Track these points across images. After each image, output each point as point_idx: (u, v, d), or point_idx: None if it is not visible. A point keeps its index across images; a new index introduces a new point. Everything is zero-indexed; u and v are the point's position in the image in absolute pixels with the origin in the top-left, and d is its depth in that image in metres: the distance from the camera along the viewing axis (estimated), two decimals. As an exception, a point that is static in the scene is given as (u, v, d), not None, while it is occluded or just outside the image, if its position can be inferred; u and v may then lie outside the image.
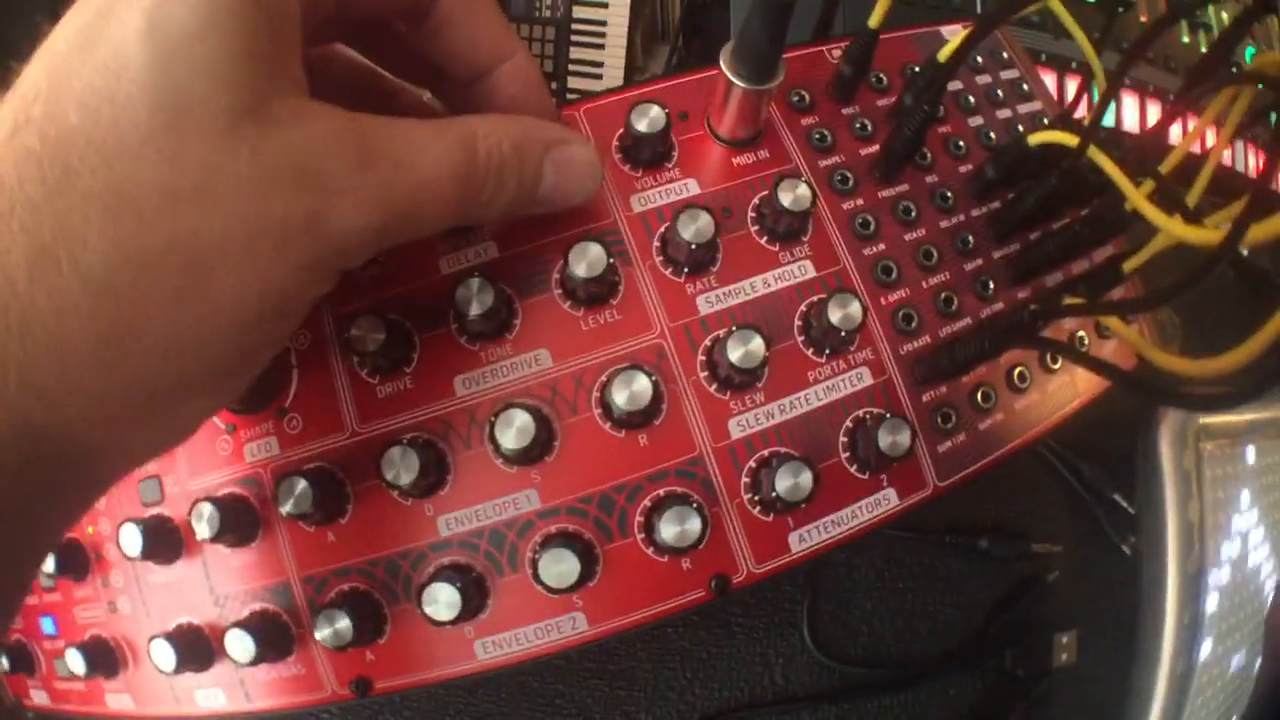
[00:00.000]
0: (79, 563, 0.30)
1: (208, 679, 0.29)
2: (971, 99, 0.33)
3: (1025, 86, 0.35)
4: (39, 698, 0.33)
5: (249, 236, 0.17)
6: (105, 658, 0.30)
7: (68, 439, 0.17)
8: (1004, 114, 0.34)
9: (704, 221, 0.26)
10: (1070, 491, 0.37)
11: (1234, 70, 0.40)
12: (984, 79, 0.34)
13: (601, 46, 0.56)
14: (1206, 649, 0.36)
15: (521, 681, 0.32)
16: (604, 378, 0.26)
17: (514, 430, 0.25)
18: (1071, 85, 0.44)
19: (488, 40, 0.25)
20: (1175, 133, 0.44)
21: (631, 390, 0.25)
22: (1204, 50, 0.48)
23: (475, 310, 0.25)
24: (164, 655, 0.27)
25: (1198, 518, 0.36)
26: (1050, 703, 0.33)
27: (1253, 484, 0.40)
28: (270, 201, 0.17)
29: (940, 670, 0.33)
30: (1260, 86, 0.26)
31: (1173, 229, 0.24)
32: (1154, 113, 0.46)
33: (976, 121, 0.33)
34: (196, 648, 0.28)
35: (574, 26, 0.56)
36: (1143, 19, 0.45)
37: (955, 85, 0.33)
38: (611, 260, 0.26)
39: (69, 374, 0.16)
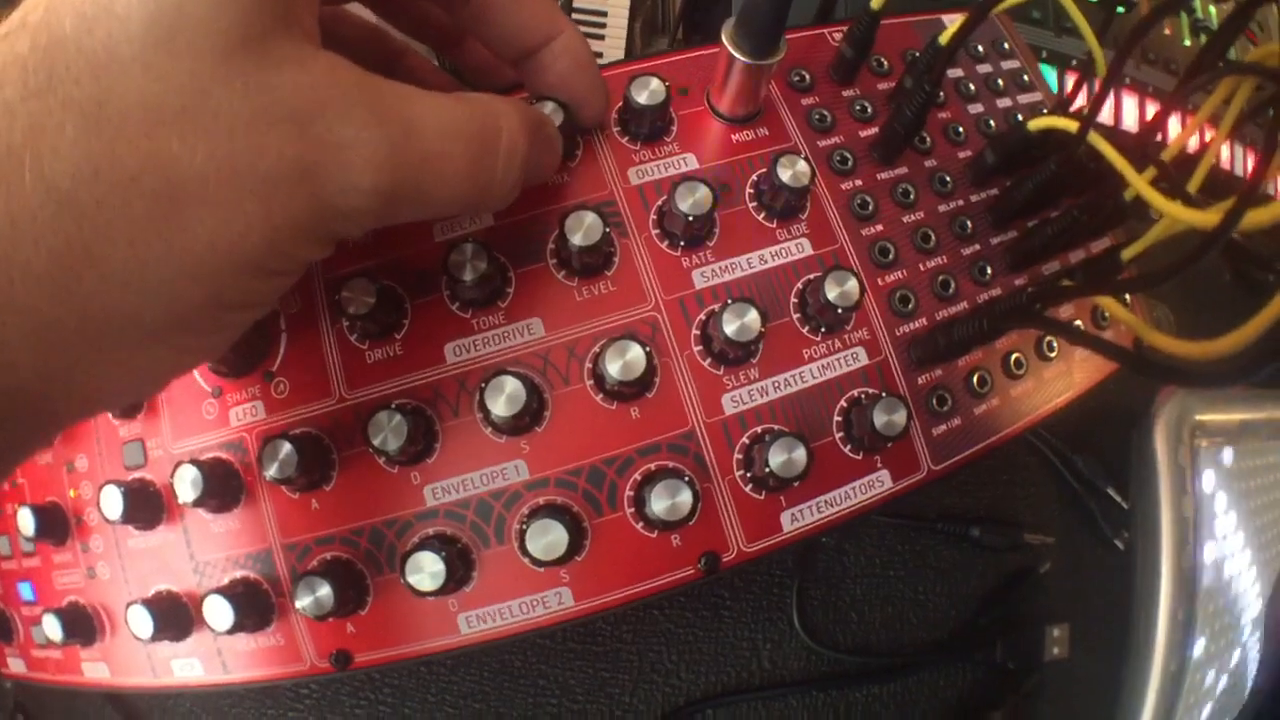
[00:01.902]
0: (59, 527, 0.30)
1: (185, 648, 0.28)
2: (972, 86, 0.33)
3: (1026, 77, 0.35)
4: (16, 666, 0.33)
5: (234, 174, 0.16)
6: (82, 624, 0.29)
7: (6, 363, 0.16)
8: (1004, 103, 0.34)
9: (702, 194, 0.26)
10: (1063, 485, 0.37)
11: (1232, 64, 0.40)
12: (985, 68, 0.34)
13: (602, 38, 0.56)
14: (1200, 647, 0.35)
15: (504, 661, 0.31)
16: (597, 348, 0.26)
17: (504, 397, 0.24)
18: (1072, 82, 0.44)
19: (534, 20, 0.24)
20: (1174, 129, 0.44)
21: (625, 360, 0.25)
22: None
23: (468, 276, 0.25)
24: (141, 622, 0.27)
25: (1192, 513, 0.36)
26: (1041, 697, 0.33)
27: (1246, 484, 0.40)
28: (262, 142, 0.16)
29: (931, 660, 0.32)
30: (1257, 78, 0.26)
31: (1173, 211, 0.24)
32: (1154, 113, 0.46)
33: (976, 109, 0.33)
34: (174, 615, 0.27)
35: (574, 17, 0.56)
36: (1166, 31, 0.45)
37: (956, 72, 0.33)
38: (608, 230, 0.26)
39: (14, 288, 0.15)
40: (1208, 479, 0.37)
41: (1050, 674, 0.33)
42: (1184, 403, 0.38)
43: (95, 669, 0.30)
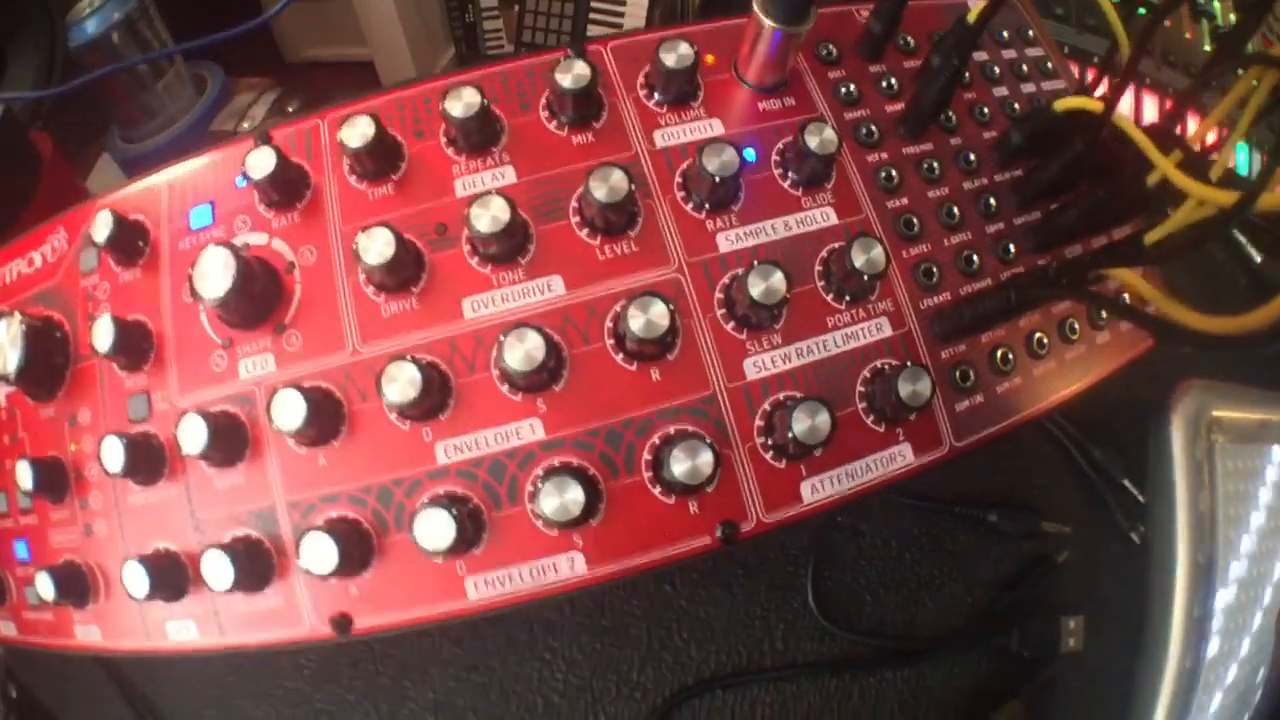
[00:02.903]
0: (58, 483, 0.29)
1: (180, 610, 0.27)
2: (997, 70, 0.33)
3: (1050, 65, 0.35)
4: (6, 629, 0.31)
5: None
6: (76, 584, 0.28)
7: None
8: (1028, 88, 0.34)
9: (729, 155, 0.26)
10: (1081, 477, 0.36)
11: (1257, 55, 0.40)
12: (1009, 53, 0.34)
13: (620, 26, 0.56)
14: (1216, 644, 0.35)
15: (509, 634, 0.30)
16: (618, 307, 0.26)
17: (524, 351, 0.24)
18: (1092, 78, 0.45)
19: None
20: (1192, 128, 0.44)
21: (648, 316, 0.24)
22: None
23: (489, 228, 0.25)
24: (136, 579, 0.26)
25: (1209, 509, 0.35)
26: (1055, 690, 0.32)
27: (1268, 483, 0.39)
28: None
29: (946, 645, 0.32)
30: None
31: (1196, 189, 0.24)
32: (1172, 103, 0.46)
33: (1001, 92, 0.33)
34: (171, 574, 0.27)
35: (593, 4, 0.56)
36: (1166, 23, 0.45)
37: (981, 56, 0.33)
38: (632, 187, 0.25)
39: None
40: (1240, 471, 0.36)
41: (1065, 666, 0.32)
42: (1201, 397, 0.38)
43: (87, 631, 0.29)
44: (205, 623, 0.27)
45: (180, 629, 0.27)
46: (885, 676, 0.30)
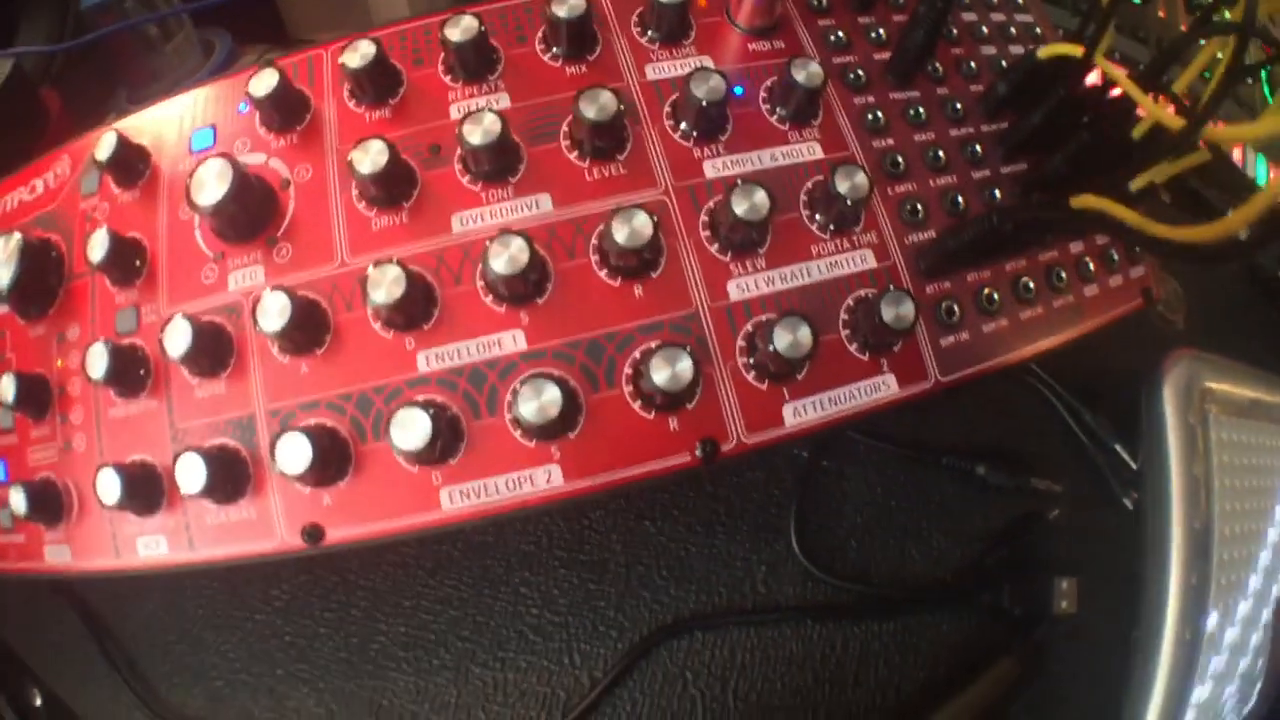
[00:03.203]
0: (40, 398, 0.29)
1: (152, 525, 0.27)
2: (985, 29, 0.34)
3: (1039, 30, 0.36)
4: (-27, 552, 0.31)
5: None
6: (50, 501, 0.28)
7: None
8: (1016, 49, 0.34)
9: (716, 81, 0.26)
10: (1072, 439, 0.36)
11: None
12: (998, 16, 0.35)
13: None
14: (1215, 615, 0.34)
15: (485, 566, 0.30)
16: (603, 225, 0.26)
17: (509, 254, 0.24)
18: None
19: None
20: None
21: (632, 226, 0.24)
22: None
23: (481, 141, 0.25)
24: (110, 485, 0.26)
25: (1203, 474, 0.35)
26: (1047, 653, 0.31)
27: (1262, 461, 0.39)
28: None
29: (935, 597, 0.31)
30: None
31: (1164, 116, 0.24)
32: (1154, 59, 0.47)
33: (989, 50, 0.34)
34: (145, 484, 0.26)
35: None
36: (1160, 14, 0.46)
37: (971, 16, 0.34)
38: (621, 108, 0.26)
39: None
40: (1234, 444, 0.36)
41: (1058, 630, 0.31)
42: (1194, 365, 0.37)
43: (57, 552, 0.29)
44: (176, 537, 0.27)
45: (150, 544, 0.27)
46: (870, 628, 0.30)
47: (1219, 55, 0.28)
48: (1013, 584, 0.31)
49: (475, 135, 0.25)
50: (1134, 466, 0.36)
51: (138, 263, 0.28)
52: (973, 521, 0.32)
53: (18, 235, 0.29)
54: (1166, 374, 0.37)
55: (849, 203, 0.26)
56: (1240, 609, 0.36)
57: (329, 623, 0.30)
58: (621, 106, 0.26)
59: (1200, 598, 0.34)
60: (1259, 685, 0.36)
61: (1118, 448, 0.36)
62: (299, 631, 0.30)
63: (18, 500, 0.28)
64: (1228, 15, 0.33)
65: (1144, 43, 0.45)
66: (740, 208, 0.25)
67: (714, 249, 0.27)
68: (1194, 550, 0.34)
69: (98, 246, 0.27)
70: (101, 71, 0.46)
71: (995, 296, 0.29)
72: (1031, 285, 0.30)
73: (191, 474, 0.25)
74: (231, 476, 0.26)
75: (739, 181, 0.25)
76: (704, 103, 0.26)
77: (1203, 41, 0.30)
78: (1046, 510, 0.33)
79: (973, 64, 0.32)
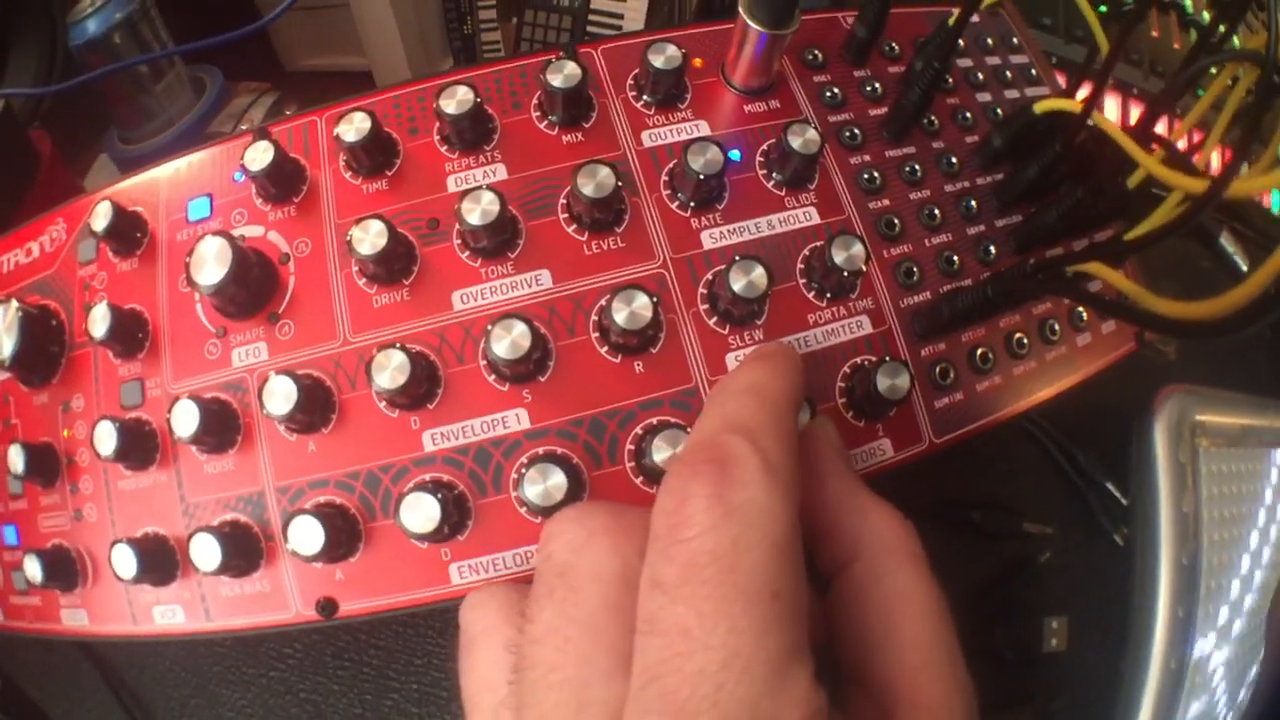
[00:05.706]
0: (49, 467, 0.29)
1: (167, 594, 0.28)
2: (980, 75, 0.34)
3: (1034, 72, 0.35)
4: (-9, 614, 0.32)
5: None
6: (64, 568, 0.29)
7: None
8: (1012, 94, 0.34)
9: (713, 154, 0.26)
10: (1064, 478, 0.36)
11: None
12: (993, 59, 0.35)
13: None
14: (1201, 645, 0.35)
15: (495, 625, 0.30)
16: (603, 301, 0.26)
17: (511, 339, 0.24)
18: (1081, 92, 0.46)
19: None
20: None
21: (631, 308, 0.25)
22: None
23: (479, 221, 0.25)
24: (125, 561, 0.26)
25: (1192, 510, 0.36)
26: (1038, 690, 0.32)
27: (1247, 487, 0.40)
28: None
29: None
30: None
31: (1172, 177, 0.24)
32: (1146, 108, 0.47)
33: (985, 98, 0.34)
34: (159, 557, 0.27)
35: (590, 17, 0.57)
36: (1154, 33, 0.46)
37: (965, 62, 0.34)
38: (619, 184, 0.26)
39: None
40: (1224, 474, 0.37)
41: (1049, 666, 0.32)
42: (1185, 401, 0.38)
43: (74, 616, 0.30)
44: (192, 607, 0.27)
45: (167, 613, 0.28)
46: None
47: (1230, 82, 0.28)
48: (1005, 627, 0.32)
49: (474, 215, 0.25)
50: (1124, 502, 0.37)
51: (140, 335, 0.29)
52: (967, 568, 0.33)
53: (15, 304, 0.30)
54: (1157, 413, 0.37)
55: (845, 274, 0.26)
56: (1226, 637, 0.37)
57: (342, 680, 0.31)
58: (620, 182, 0.26)
59: (1187, 629, 0.35)
60: (1243, 699, 0.37)
61: (1109, 485, 0.37)
62: (313, 689, 0.31)
63: (33, 568, 0.28)
64: (1237, 41, 0.33)
65: (1137, 65, 0.45)
66: (738, 285, 0.25)
67: (713, 322, 0.27)
68: (1182, 584, 0.35)
69: (100, 322, 0.28)
70: (92, 111, 0.45)
71: (990, 355, 0.29)
72: (1025, 340, 0.30)
73: (206, 554, 0.25)
74: (244, 551, 0.26)
75: (737, 257, 0.26)
76: (701, 175, 0.26)
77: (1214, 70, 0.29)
78: (1038, 554, 0.34)
79: (968, 114, 0.33)
